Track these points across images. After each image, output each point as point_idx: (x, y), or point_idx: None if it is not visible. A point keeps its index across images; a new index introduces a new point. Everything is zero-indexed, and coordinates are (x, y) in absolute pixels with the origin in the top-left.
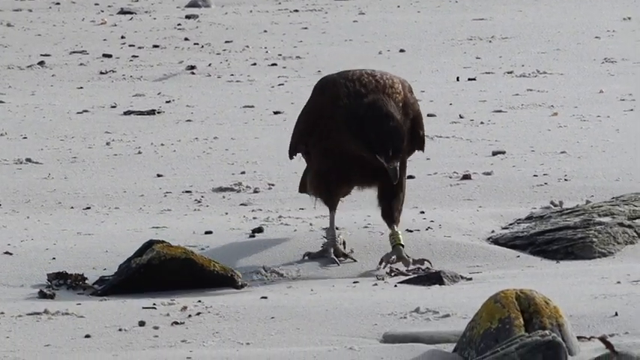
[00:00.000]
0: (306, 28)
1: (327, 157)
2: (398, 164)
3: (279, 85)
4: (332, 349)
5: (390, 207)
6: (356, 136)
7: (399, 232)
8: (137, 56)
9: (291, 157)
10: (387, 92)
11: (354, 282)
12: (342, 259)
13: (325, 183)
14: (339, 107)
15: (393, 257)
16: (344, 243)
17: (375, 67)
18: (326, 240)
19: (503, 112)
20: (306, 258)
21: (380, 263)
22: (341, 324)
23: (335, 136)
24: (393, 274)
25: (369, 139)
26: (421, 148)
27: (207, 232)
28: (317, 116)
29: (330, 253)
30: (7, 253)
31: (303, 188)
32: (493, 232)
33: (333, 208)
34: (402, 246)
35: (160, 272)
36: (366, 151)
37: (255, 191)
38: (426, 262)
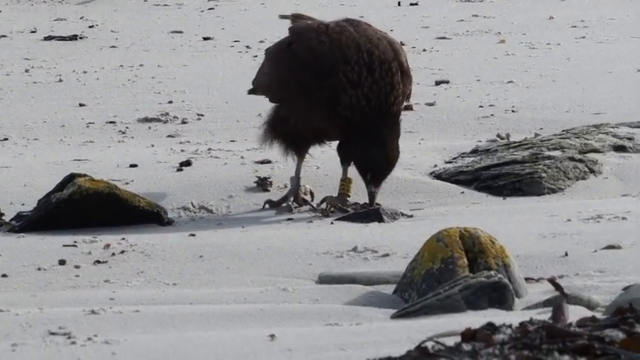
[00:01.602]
0: None
1: (302, 120)
2: (376, 190)
3: (210, 9)
4: (264, 289)
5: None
6: (347, 140)
7: (351, 181)
8: None
9: (250, 93)
10: (389, 103)
11: (288, 219)
12: (298, 206)
13: (296, 136)
14: (337, 115)
15: (338, 205)
16: (311, 193)
17: None
18: (289, 188)
19: (447, 39)
20: (267, 206)
21: (321, 202)
22: (274, 263)
23: (319, 119)
24: (331, 209)
25: (355, 156)
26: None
27: (131, 166)
28: (301, 91)
29: (289, 199)
30: None
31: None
32: (436, 166)
33: (301, 156)
34: (348, 196)
35: (82, 208)
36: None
37: (183, 122)
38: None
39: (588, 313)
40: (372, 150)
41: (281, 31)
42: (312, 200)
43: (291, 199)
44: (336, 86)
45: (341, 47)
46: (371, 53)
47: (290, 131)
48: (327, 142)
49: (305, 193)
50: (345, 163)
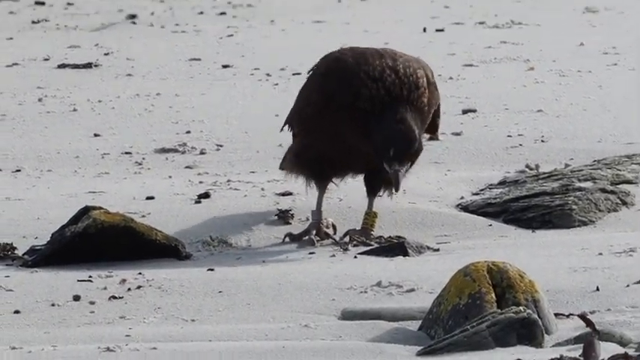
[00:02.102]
0: None
1: (326, 141)
2: (402, 170)
3: (229, 36)
4: (285, 326)
5: (378, 178)
6: (365, 137)
7: (376, 215)
8: (72, 4)
9: (282, 130)
10: (411, 99)
11: (310, 253)
12: (320, 239)
13: (318, 164)
14: (356, 109)
15: (361, 238)
16: (333, 226)
17: (334, 16)
18: (311, 221)
19: (475, 66)
20: (288, 240)
21: (344, 236)
22: (295, 299)
23: (341, 127)
24: (354, 243)
25: (375, 142)
26: (433, 132)
27: (148, 198)
28: (325, 103)
29: (311, 233)
30: None
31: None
32: (462, 198)
33: (323, 188)
34: (372, 231)
35: (97, 242)
36: (373, 153)
37: (202, 153)
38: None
39: (620, 350)
40: (392, 126)
41: (302, 58)
42: (335, 233)
43: (313, 232)
44: (359, 88)
45: (364, 53)
46: (395, 59)
47: (312, 158)
48: (352, 174)
49: (327, 227)
50: (371, 194)
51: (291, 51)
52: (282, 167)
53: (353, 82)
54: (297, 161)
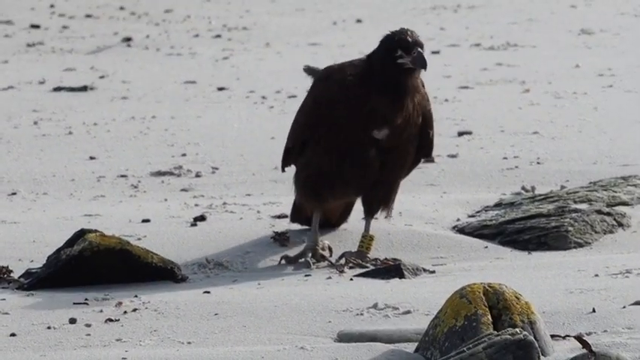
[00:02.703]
0: None
1: (326, 155)
2: (419, 51)
3: (224, 58)
4: (281, 348)
5: (376, 198)
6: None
7: (372, 238)
8: (68, 27)
9: (283, 169)
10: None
11: (306, 275)
12: (316, 262)
13: (315, 183)
14: (350, 77)
15: (357, 260)
16: (329, 249)
17: (330, 38)
18: (306, 243)
19: (470, 88)
20: (283, 262)
21: (340, 258)
22: (291, 321)
23: (343, 125)
24: (350, 265)
25: (380, 63)
26: (428, 154)
27: (144, 221)
28: (323, 105)
29: (307, 255)
30: None
31: (296, 216)
32: (459, 220)
33: (319, 210)
34: (368, 254)
35: (93, 264)
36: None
37: (197, 175)
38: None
39: None
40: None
41: (297, 81)
42: (331, 256)
43: (309, 254)
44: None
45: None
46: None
47: (310, 175)
48: (350, 193)
49: (323, 249)
50: (368, 215)
51: (287, 74)
52: (293, 220)
53: (342, 75)
54: (296, 182)
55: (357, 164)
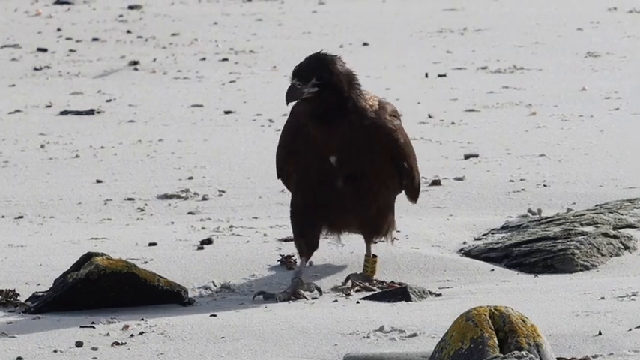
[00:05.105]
0: (260, 19)
1: (305, 182)
2: (300, 85)
3: (231, 82)
4: None
5: (373, 220)
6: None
7: (375, 259)
8: (75, 50)
9: (279, 177)
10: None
11: (313, 298)
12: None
13: (299, 218)
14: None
15: (363, 283)
16: (319, 290)
17: None
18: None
19: (477, 111)
20: (260, 297)
21: (346, 281)
22: (298, 344)
23: (311, 148)
24: (356, 288)
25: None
26: (412, 191)
27: (151, 244)
28: (295, 130)
29: (288, 294)
30: None
31: None
32: (465, 243)
33: (303, 253)
34: (373, 276)
35: (100, 288)
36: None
37: (204, 199)
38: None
39: None
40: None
41: None
42: (320, 294)
43: (289, 291)
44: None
45: None
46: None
47: (295, 210)
48: (341, 224)
49: (311, 290)
50: (366, 239)
51: None
52: None
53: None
54: (290, 219)
55: (329, 195)
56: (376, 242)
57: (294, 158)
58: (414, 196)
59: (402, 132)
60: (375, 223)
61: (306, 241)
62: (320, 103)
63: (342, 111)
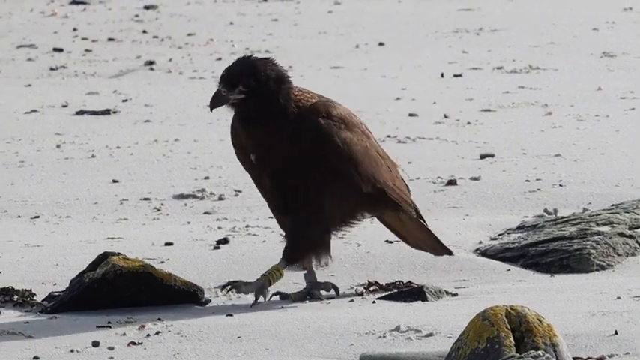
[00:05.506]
0: (276, 19)
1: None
2: (225, 92)
3: None
4: None
5: (291, 232)
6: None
7: (279, 270)
8: (91, 50)
9: None
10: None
11: (329, 298)
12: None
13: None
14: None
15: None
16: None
17: (352, 62)
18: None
19: (492, 111)
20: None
21: (222, 288)
22: (314, 344)
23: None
24: (372, 288)
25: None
26: (376, 202)
27: (167, 244)
28: (233, 125)
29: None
30: None
31: None
32: (481, 242)
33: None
34: (268, 281)
35: (116, 287)
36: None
37: (220, 198)
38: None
39: None
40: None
41: None
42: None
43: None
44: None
45: None
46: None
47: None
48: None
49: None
50: (282, 259)
51: None
52: None
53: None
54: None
55: (262, 191)
56: (290, 261)
57: (237, 150)
58: (390, 206)
59: (334, 133)
60: (295, 237)
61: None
62: (245, 109)
63: (268, 115)
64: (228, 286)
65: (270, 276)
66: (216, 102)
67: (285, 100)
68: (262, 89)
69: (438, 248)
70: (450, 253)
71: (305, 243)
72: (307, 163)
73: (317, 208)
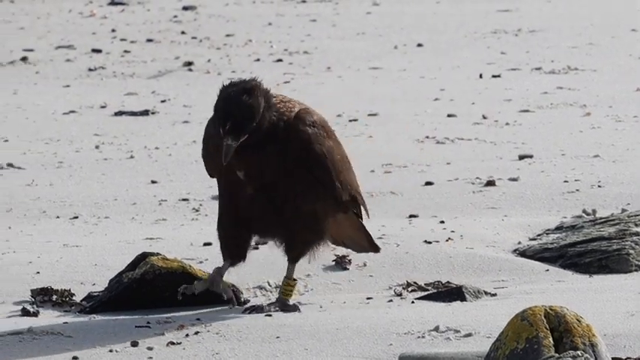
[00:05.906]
0: (314, 20)
1: (224, 191)
2: (234, 143)
3: (285, 82)
4: None
5: (292, 241)
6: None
7: (294, 285)
8: (129, 51)
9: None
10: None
11: (368, 298)
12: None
13: (221, 226)
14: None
15: (273, 308)
16: (235, 300)
17: (390, 62)
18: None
19: (531, 112)
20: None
21: (246, 311)
22: (353, 344)
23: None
24: (410, 288)
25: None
26: (340, 204)
27: (206, 244)
28: (206, 137)
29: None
30: None
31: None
32: (520, 243)
33: (226, 257)
34: (288, 300)
35: (155, 288)
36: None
37: None
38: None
39: None
40: (226, 96)
41: (358, 104)
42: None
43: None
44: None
45: None
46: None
47: (219, 218)
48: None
49: (225, 293)
50: (287, 258)
51: (348, 97)
52: None
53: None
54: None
55: (244, 204)
56: (297, 262)
57: (212, 163)
58: (357, 214)
59: (321, 142)
60: (293, 242)
61: (229, 252)
62: (245, 141)
63: (259, 135)
64: (181, 290)
65: (284, 294)
66: (228, 155)
67: (269, 116)
68: (259, 124)
69: (367, 246)
70: (377, 250)
71: (307, 248)
72: (296, 173)
73: (310, 215)
